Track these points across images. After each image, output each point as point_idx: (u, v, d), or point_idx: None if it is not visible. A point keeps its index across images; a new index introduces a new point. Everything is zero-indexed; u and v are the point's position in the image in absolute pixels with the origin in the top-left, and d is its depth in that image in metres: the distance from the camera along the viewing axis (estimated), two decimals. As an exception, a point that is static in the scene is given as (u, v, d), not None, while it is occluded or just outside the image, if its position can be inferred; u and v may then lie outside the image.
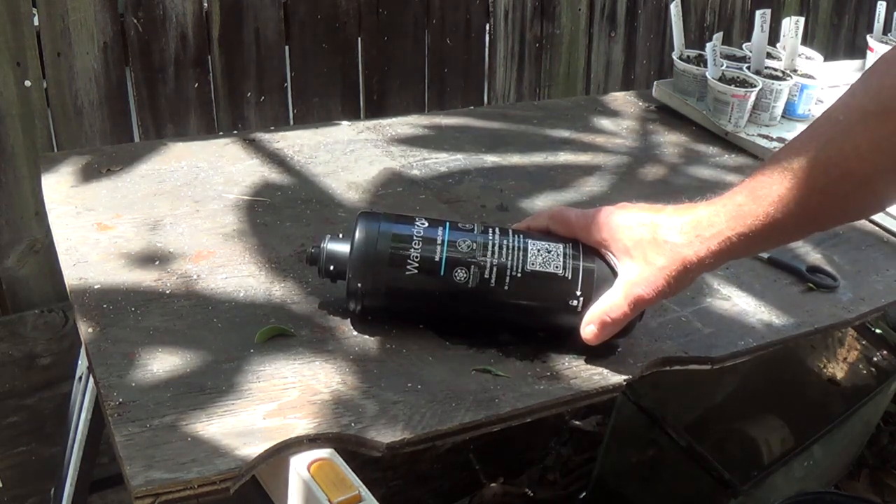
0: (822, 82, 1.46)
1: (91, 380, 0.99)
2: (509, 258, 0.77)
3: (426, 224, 0.79)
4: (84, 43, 1.37)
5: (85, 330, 0.77)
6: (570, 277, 0.77)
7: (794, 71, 1.47)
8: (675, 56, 1.46)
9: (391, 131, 1.27)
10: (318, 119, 1.62)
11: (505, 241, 0.78)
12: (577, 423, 1.81)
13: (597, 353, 0.80)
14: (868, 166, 0.67)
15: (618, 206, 0.79)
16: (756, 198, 0.70)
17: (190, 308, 0.82)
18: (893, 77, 0.66)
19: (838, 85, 1.59)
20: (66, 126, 1.39)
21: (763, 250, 0.95)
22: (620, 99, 1.53)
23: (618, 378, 0.79)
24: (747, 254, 0.76)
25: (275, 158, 1.15)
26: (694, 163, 1.28)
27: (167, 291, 0.84)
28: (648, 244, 0.74)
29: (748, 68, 1.42)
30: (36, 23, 1.32)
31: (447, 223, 0.80)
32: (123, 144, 1.35)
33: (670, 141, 1.36)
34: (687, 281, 0.75)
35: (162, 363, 0.74)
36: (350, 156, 1.18)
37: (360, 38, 1.64)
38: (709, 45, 1.38)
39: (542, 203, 1.10)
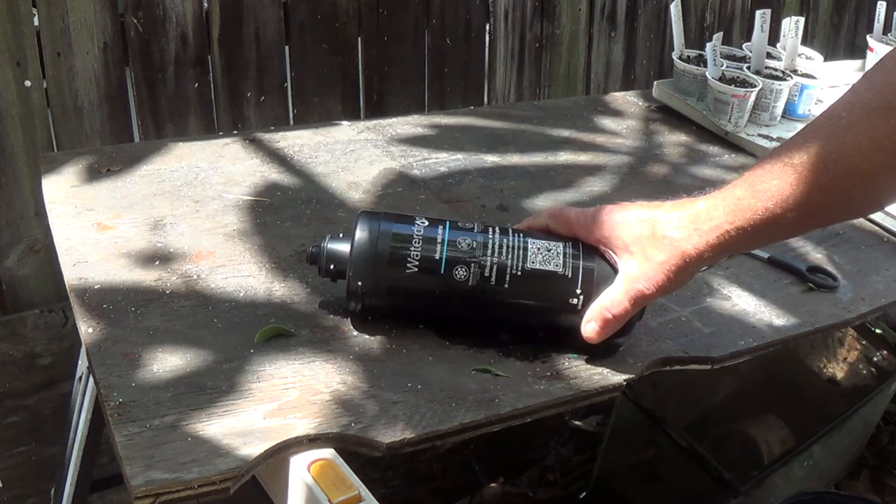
0: (822, 82, 1.46)
1: (91, 380, 0.99)
2: (509, 257, 0.77)
3: (426, 223, 0.79)
4: (84, 43, 1.36)
5: (85, 330, 0.77)
6: (570, 276, 0.77)
7: (794, 71, 1.47)
8: (675, 56, 1.46)
9: (391, 131, 1.27)
10: (318, 119, 1.62)
11: (505, 240, 0.78)
12: (577, 423, 1.81)
13: (597, 353, 0.80)
14: (869, 164, 0.67)
15: (617, 204, 0.79)
16: (755, 192, 0.70)
17: (190, 308, 0.82)
18: None
19: (838, 85, 1.59)
20: (66, 126, 1.39)
21: (762, 245, 0.95)
22: (620, 99, 1.53)
23: (618, 378, 0.79)
24: (746, 248, 0.76)
25: (275, 158, 1.15)
26: (694, 163, 1.28)
27: (167, 291, 0.84)
28: (648, 240, 0.74)
29: (748, 68, 1.42)
30: (36, 23, 1.32)
31: (447, 222, 0.80)
32: (123, 144, 1.35)
33: (670, 141, 1.36)
34: (687, 276, 0.75)
35: (162, 363, 0.74)
36: (350, 156, 1.18)
37: (360, 38, 1.64)
38: (709, 45, 1.38)
39: (542, 203, 1.10)
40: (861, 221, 1.14)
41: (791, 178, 0.69)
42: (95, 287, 0.83)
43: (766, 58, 1.45)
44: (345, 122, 1.29)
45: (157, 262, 0.89)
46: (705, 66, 1.40)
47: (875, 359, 1.55)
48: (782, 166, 0.69)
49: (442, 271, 0.77)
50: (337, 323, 0.82)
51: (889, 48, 1.59)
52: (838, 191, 0.69)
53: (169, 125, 1.48)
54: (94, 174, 1.06)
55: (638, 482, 1.51)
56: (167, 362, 0.74)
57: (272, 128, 1.40)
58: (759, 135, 1.36)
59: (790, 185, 0.69)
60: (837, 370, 1.58)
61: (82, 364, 1.13)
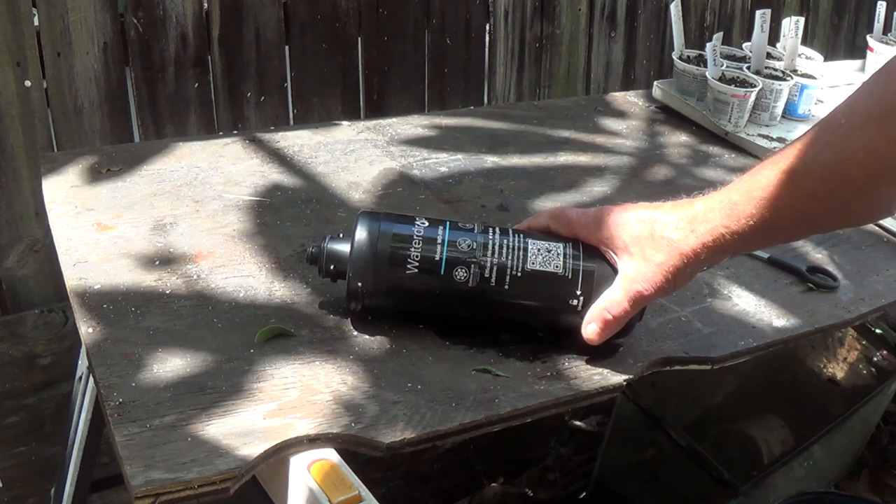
0: (822, 82, 1.46)
1: (91, 380, 0.99)
2: (509, 258, 0.77)
3: (426, 223, 0.79)
4: (84, 43, 1.36)
5: (85, 330, 0.77)
6: (570, 277, 0.77)
7: (794, 71, 1.47)
8: (675, 56, 1.46)
9: (391, 131, 1.27)
10: (318, 119, 1.62)
11: (505, 241, 0.78)
12: (577, 423, 1.81)
13: (597, 353, 0.80)
14: (865, 173, 0.65)
15: (618, 205, 0.79)
16: (751, 199, 0.69)
17: (190, 308, 0.82)
18: None
19: (838, 85, 1.59)
20: (66, 126, 1.39)
21: (760, 248, 0.95)
22: (620, 99, 1.53)
23: (618, 378, 0.79)
24: (744, 250, 0.75)
25: (275, 158, 1.15)
26: (695, 163, 1.28)
27: (167, 291, 0.84)
28: (647, 240, 0.74)
29: (748, 68, 1.42)
30: (36, 23, 1.32)
31: (447, 223, 0.80)
32: (123, 144, 1.35)
33: (670, 141, 1.36)
34: (686, 276, 0.75)
35: (162, 363, 0.74)
36: (350, 156, 1.18)
37: (360, 38, 1.64)
38: (709, 45, 1.38)
39: (542, 203, 1.10)
40: (861, 221, 1.14)
41: (787, 186, 0.67)
42: (95, 287, 0.83)
43: (766, 58, 1.45)
44: (345, 122, 1.29)
45: (158, 263, 0.89)
46: (705, 66, 1.40)
47: (875, 359, 1.55)
48: (778, 173, 0.68)
49: (442, 272, 0.77)
50: (337, 323, 0.82)
51: (889, 48, 1.60)
52: (835, 200, 0.67)
53: (169, 125, 1.48)
54: (95, 174, 1.06)
55: (638, 482, 1.51)
56: (167, 362, 0.74)
57: (272, 128, 1.40)
58: (760, 135, 1.36)
59: (786, 194, 0.67)
60: (837, 370, 1.58)
61: (82, 364, 1.13)
